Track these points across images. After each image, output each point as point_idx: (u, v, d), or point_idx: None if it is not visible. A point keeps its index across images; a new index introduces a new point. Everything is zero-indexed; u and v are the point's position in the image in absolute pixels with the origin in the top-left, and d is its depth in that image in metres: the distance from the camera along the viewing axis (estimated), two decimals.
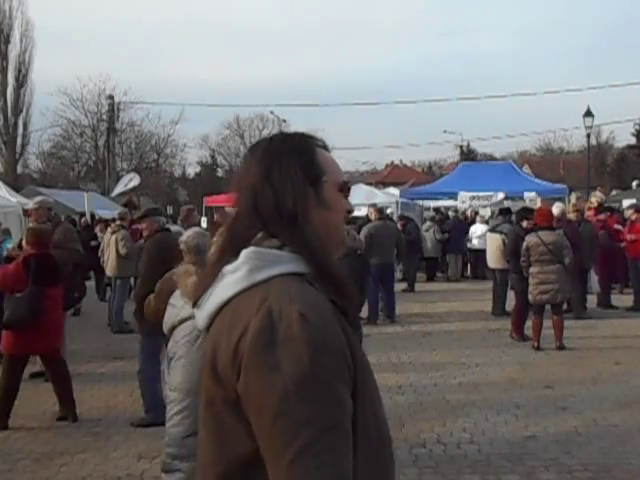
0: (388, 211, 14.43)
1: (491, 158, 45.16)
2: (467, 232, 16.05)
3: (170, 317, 2.29)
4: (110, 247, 10.34)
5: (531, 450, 5.05)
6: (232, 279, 1.31)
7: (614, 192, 25.26)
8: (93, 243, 13.03)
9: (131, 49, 73.66)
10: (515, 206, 14.00)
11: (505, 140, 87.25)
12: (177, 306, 2.26)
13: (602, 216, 12.39)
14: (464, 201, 18.18)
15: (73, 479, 4.75)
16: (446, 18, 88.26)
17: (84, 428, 5.81)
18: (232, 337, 1.24)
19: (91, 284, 12.73)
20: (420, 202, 20.53)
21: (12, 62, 35.59)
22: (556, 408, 6.06)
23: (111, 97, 33.57)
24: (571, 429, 5.51)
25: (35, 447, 5.36)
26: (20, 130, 36.39)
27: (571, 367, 7.60)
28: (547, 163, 45.78)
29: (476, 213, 17.05)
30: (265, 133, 50.76)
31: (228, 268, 1.32)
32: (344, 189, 1.43)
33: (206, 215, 20.79)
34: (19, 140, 36.55)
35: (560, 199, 15.98)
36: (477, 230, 15.57)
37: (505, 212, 11.88)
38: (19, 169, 38.14)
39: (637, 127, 42.47)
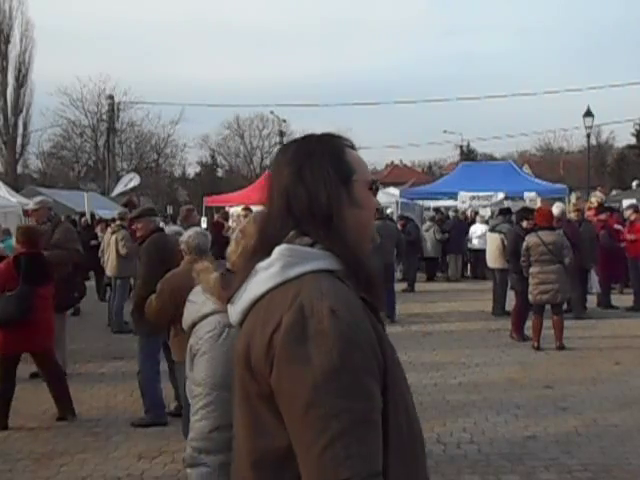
0: (388, 211, 14.44)
1: (491, 158, 45.16)
2: (467, 232, 16.06)
3: (191, 313, 2.30)
4: (110, 247, 10.34)
5: (531, 450, 5.05)
6: (265, 275, 1.34)
7: (614, 192, 25.27)
8: (93, 243, 13.04)
9: (131, 49, 73.76)
10: (515, 206, 14.00)
11: (505, 140, 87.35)
12: (198, 302, 2.27)
13: (603, 216, 12.39)
14: (464, 201, 18.18)
15: (73, 479, 4.75)
16: (446, 18, 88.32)
17: (84, 428, 5.81)
18: (265, 332, 1.28)
19: (91, 284, 12.73)
20: (420, 202, 20.53)
21: (12, 62, 35.68)
22: (556, 408, 6.06)
23: (111, 97, 33.60)
24: (571, 429, 5.51)
25: (35, 447, 5.36)
26: (20, 130, 36.48)
27: (571, 367, 7.60)
28: (547, 163, 45.80)
29: (476, 213, 17.05)
30: (265, 133, 50.94)
31: (261, 265, 1.36)
32: (373, 187, 1.47)
33: (206, 215, 20.79)
34: (19, 140, 36.61)
35: (560, 199, 15.98)
36: (477, 230, 15.57)
37: (505, 212, 11.88)
38: (19, 169, 38.18)
39: (637, 127, 42.52)
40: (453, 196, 18.64)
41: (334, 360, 1.20)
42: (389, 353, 1.32)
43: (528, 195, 17.80)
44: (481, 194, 17.98)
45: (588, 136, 25.21)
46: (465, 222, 16.94)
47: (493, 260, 11.13)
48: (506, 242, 10.34)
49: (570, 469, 4.68)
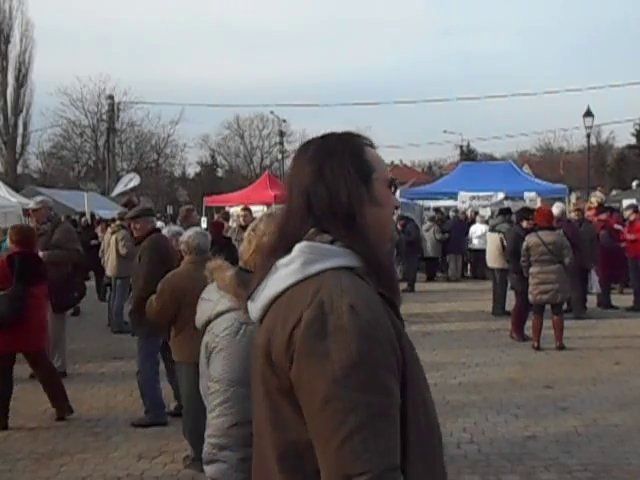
0: None
1: (491, 158, 45.17)
2: (467, 232, 16.05)
3: (206, 311, 2.31)
4: (110, 247, 10.33)
5: (531, 450, 5.05)
6: (286, 272, 1.36)
7: (614, 192, 25.30)
8: (93, 243, 13.04)
9: (131, 49, 73.73)
10: (515, 206, 14.00)
11: (505, 140, 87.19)
12: (213, 300, 2.28)
13: (603, 216, 12.39)
14: (464, 201, 18.19)
15: (73, 479, 4.75)
16: (446, 18, 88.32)
17: (84, 428, 5.81)
18: (286, 327, 1.30)
19: (91, 284, 12.73)
20: (420, 202, 20.53)
21: (12, 62, 35.73)
22: (556, 408, 6.06)
23: (111, 97, 33.62)
24: (571, 429, 5.51)
25: (35, 447, 5.36)
26: (20, 130, 36.53)
27: (571, 367, 7.60)
28: (547, 163, 45.81)
29: (476, 213, 17.04)
30: (265, 133, 50.94)
31: (282, 262, 1.37)
32: (392, 186, 1.48)
33: (206, 215, 20.80)
34: (19, 140, 36.65)
35: (560, 199, 16.00)
36: (477, 230, 15.57)
37: (505, 212, 11.88)
38: (19, 169, 38.20)
39: (637, 127, 42.55)
40: (453, 196, 18.65)
41: (353, 355, 1.22)
42: (408, 349, 1.34)
43: (528, 195, 17.82)
44: (481, 194, 17.99)
45: (588, 136, 25.22)
46: (465, 222, 16.93)
47: (493, 260, 11.14)
48: (505, 242, 10.35)
49: (570, 469, 4.68)
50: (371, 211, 1.40)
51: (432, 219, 16.95)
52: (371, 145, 1.49)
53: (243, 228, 9.76)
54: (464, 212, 17.82)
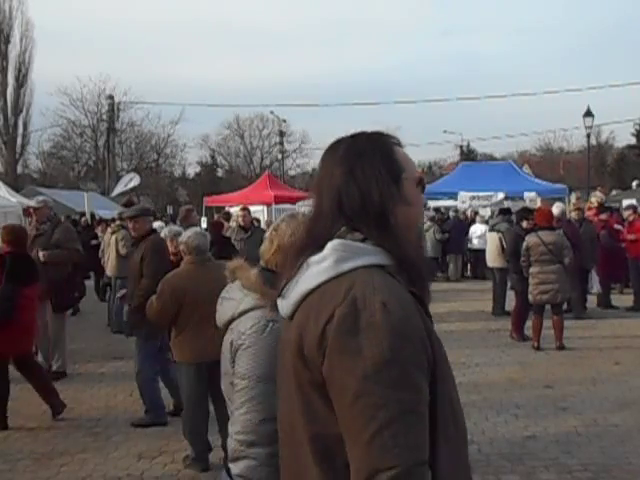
0: None
1: (491, 158, 45.17)
2: (467, 232, 16.05)
3: (228, 310, 2.32)
4: (110, 247, 10.32)
5: (531, 450, 5.05)
6: (318, 269, 1.38)
7: (614, 192, 25.33)
8: (93, 243, 13.04)
9: (131, 49, 73.55)
10: (515, 206, 14.01)
11: (505, 140, 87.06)
12: (236, 298, 2.30)
13: (604, 216, 12.38)
14: (464, 201, 18.19)
15: (73, 479, 4.75)
16: (446, 18, 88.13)
17: (84, 428, 5.81)
18: (319, 323, 1.31)
19: (90, 283, 12.73)
20: None
21: (12, 62, 35.72)
22: (556, 408, 6.06)
23: (111, 97, 33.65)
24: (571, 429, 5.51)
25: (35, 447, 5.36)
26: (20, 130, 36.52)
27: (571, 367, 7.60)
28: (547, 163, 45.81)
29: (476, 213, 17.05)
30: (265, 133, 50.91)
31: (314, 259, 1.39)
32: (420, 184, 1.50)
33: (206, 215, 20.79)
34: (19, 140, 36.64)
35: (560, 199, 16.01)
36: (477, 230, 15.58)
37: (505, 212, 11.89)
38: (19, 169, 38.21)
39: (637, 127, 42.56)
40: (453, 196, 18.66)
41: (385, 352, 1.24)
42: (437, 348, 1.36)
43: (528, 195, 17.83)
44: (481, 194, 17.99)
45: (588, 136, 25.21)
46: (465, 222, 16.94)
47: (492, 259, 11.14)
48: (504, 241, 10.35)
49: (570, 469, 4.68)
50: (401, 210, 1.42)
51: (432, 219, 16.93)
52: (399, 144, 1.51)
53: (242, 228, 9.77)
54: (464, 212, 17.83)
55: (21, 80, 35.85)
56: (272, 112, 41.95)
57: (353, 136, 1.50)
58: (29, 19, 35.90)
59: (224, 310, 2.35)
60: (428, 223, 16.73)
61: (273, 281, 1.99)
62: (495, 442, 5.23)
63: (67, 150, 43.71)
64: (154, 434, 5.55)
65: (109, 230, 10.83)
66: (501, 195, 17.85)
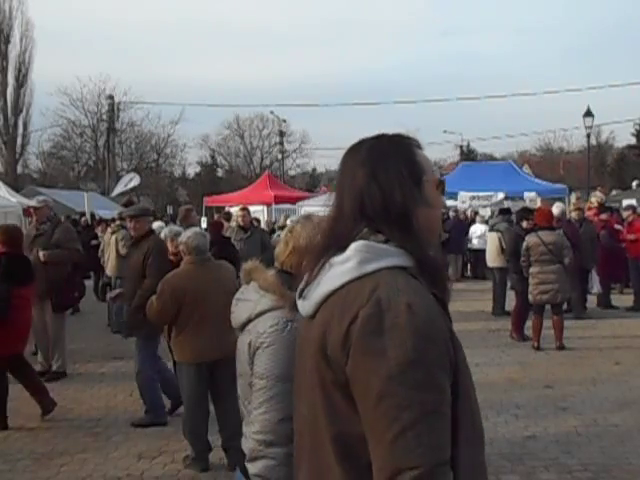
0: None
1: (491, 158, 45.16)
2: (467, 232, 16.04)
3: (245, 310, 2.32)
4: (110, 247, 10.34)
5: (531, 450, 5.05)
6: (341, 270, 1.38)
7: (614, 192, 25.32)
8: (93, 243, 13.04)
9: (131, 49, 73.66)
10: (515, 206, 14.01)
11: (505, 140, 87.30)
12: (252, 300, 2.30)
13: (604, 216, 12.38)
14: (464, 201, 18.18)
15: (73, 479, 4.75)
16: (446, 18, 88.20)
17: (84, 428, 5.81)
18: (343, 323, 1.32)
19: (89, 283, 12.72)
20: None
21: (12, 62, 35.73)
22: (556, 408, 6.06)
23: (111, 97, 33.68)
24: (571, 429, 5.51)
25: (35, 447, 5.36)
26: (20, 130, 36.52)
27: (571, 367, 7.60)
28: (547, 163, 45.80)
29: (476, 213, 17.04)
30: (265, 133, 50.92)
31: (337, 259, 1.40)
32: (440, 186, 1.51)
33: (206, 215, 20.80)
34: (19, 140, 36.64)
35: (560, 199, 16.01)
36: (477, 230, 15.57)
37: (505, 212, 11.88)
38: (19, 169, 38.21)
39: (637, 127, 42.53)
40: (453, 196, 18.64)
41: (409, 353, 1.25)
42: (458, 349, 1.38)
43: (528, 195, 17.82)
44: (481, 194, 17.99)
45: (588, 136, 25.21)
46: (465, 222, 16.92)
47: (492, 259, 11.14)
48: (504, 241, 10.35)
49: (570, 469, 4.68)
50: (423, 212, 1.43)
51: None
52: (419, 146, 1.52)
53: (241, 228, 9.76)
54: (464, 212, 17.82)
55: (21, 80, 35.86)
56: (272, 112, 42.00)
57: (375, 138, 1.50)
58: (29, 19, 35.98)
59: (240, 312, 2.34)
60: None
61: (290, 282, 2.00)
62: (495, 442, 5.23)
63: (67, 150, 43.71)
64: (154, 434, 5.55)
65: (109, 230, 10.84)
66: (501, 195, 17.85)
